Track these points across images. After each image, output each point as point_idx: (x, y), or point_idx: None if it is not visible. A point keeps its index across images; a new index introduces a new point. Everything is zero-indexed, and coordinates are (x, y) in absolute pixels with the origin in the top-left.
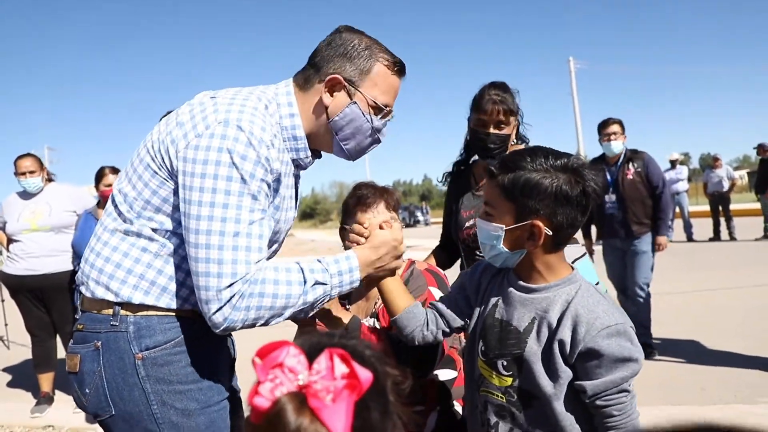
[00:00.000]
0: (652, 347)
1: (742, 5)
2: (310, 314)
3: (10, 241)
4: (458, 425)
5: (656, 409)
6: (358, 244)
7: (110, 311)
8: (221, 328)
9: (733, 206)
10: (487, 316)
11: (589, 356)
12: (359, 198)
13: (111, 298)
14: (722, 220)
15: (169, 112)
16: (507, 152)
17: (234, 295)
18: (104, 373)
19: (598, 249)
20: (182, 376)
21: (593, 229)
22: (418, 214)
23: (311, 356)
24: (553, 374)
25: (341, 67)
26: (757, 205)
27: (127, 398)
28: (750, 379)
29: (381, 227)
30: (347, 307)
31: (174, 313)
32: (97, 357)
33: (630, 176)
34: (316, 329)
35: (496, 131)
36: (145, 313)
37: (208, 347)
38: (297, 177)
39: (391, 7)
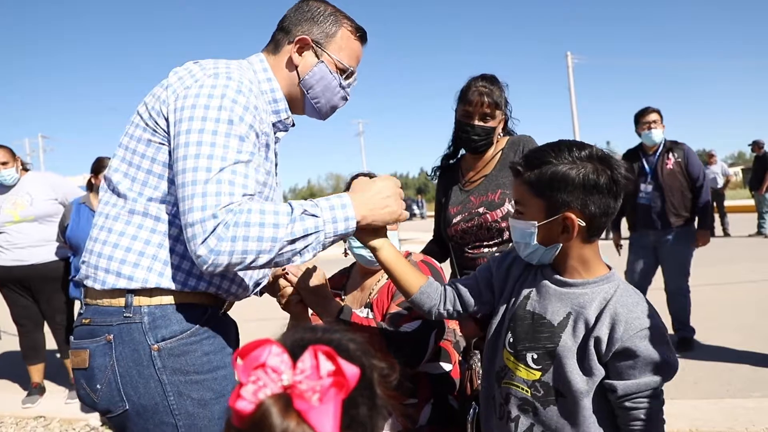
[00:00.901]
0: (691, 342)
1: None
2: (309, 258)
3: None
4: (453, 418)
5: None
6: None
7: (122, 302)
8: (208, 262)
9: (727, 203)
10: (517, 307)
11: (625, 356)
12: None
13: (124, 284)
14: (716, 216)
15: None
16: (492, 145)
17: (219, 224)
18: (117, 367)
19: (625, 243)
20: (198, 365)
21: (623, 222)
22: (414, 207)
23: (294, 354)
24: (586, 371)
25: (309, 30)
26: (752, 202)
27: (143, 391)
28: (742, 374)
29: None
30: (342, 297)
31: (190, 299)
32: (109, 350)
33: (670, 166)
34: (301, 324)
35: (481, 123)
36: (159, 300)
37: (221, 336)
38: (276, 140)
39: None
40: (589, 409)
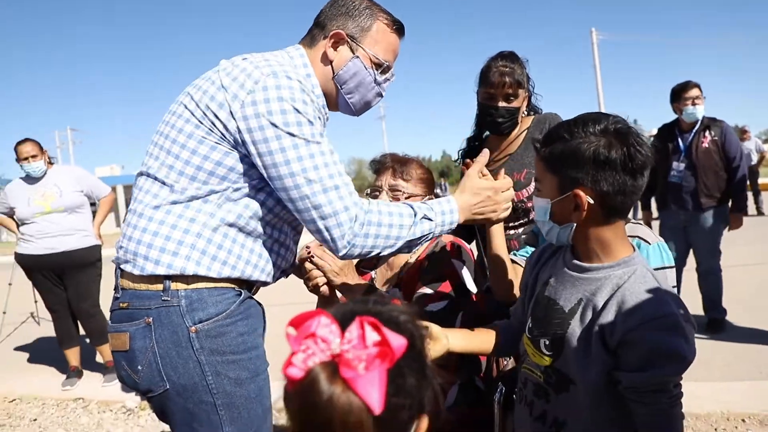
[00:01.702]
0: (722, 323)
1: None
2: (413, 250)
3: (19, 225)
4: (479, 399)
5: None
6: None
7: (160, 287)
8: (343, 252)
9: (761, 180)
10: (538, 292)
11: (629, 346)
12: (375, 166)
13: (162, 271)
14: (750, 194)
15: None
16: (517, 125)
17: (357, 222)
18: (157, 349)
19: (656, 223)
20: (234, 346)
21: (652, 201)
22: (438, 190)
23: (344, 324)
24: (591, 360)
25: (344, 24)
26: None
27: (182, 371)
28: None
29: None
30: (373, 276)
31: (223, 284)
32: (149, 333)
33: (706, 144)
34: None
35: (505, 104)
36: (195, 285)
37: (253, 317)
38: None
39: None
40: (599, 399)
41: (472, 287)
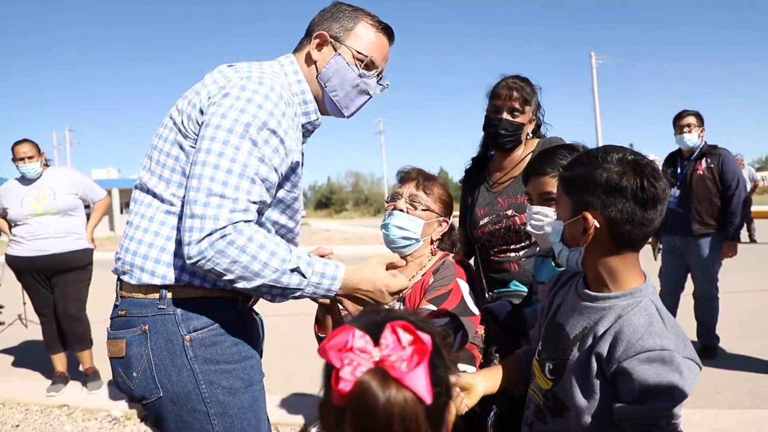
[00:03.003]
0: (715, 350)
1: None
2: (278, 301)
3: (12, 226)
4: (474, 420)
5: None
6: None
7: (156, 295)
8: (191, 261)
9: (754, 208)
10: (551, 317)
11: (622, 378)
12: (400, 175)
13: (158, 281)
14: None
15: None
16: (520, 144)
17: (217, 232)
18: (152, 356)
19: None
20: (228, 355)
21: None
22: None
23: (373, 334)
24: (586, 388)
25: (328, 27)
26: None
27: (176, 379)
28: (766, 383)
29: (387, 268)
30: None
31: (218, 293)
32: (144, 340)
33: (700, 172)
34: (331, 316)
35: (509, 117)
36: (191, 295)
37: (249, 327)
38: (303, 143)
39: None
40: (591, 428)
41: (474, 309)
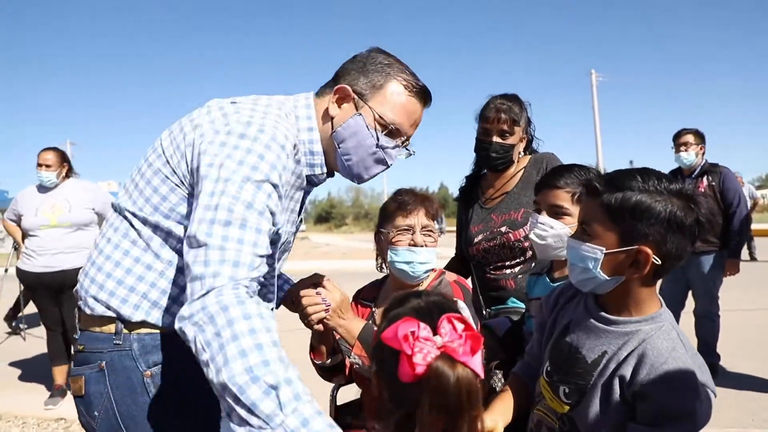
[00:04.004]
0: (716, 369)
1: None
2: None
3: (25, 235)
4: None
5: None
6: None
7: (112, 328)
8: (177, 325)
9: (754, 226)
10: (558, 336)
11: (642, 400)
12: (400, 204)
13: (110, 314)
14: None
15: None
16: (512, 163)
17: (202, 311)
18: (113, 395)
19: None
20: (194, 389)
21: None
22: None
23: (428, 321)
24: (609, 413)
25: (354, 80)
26: None
27: (141, 420)
28: (767, 403)
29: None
30: (373, 309)
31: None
32: (102, 378)
33: (702, 189)
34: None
35: (500, 140)
36: (148, 330)
37: None
38: (306, 192)
39: (411, 12)
40: None
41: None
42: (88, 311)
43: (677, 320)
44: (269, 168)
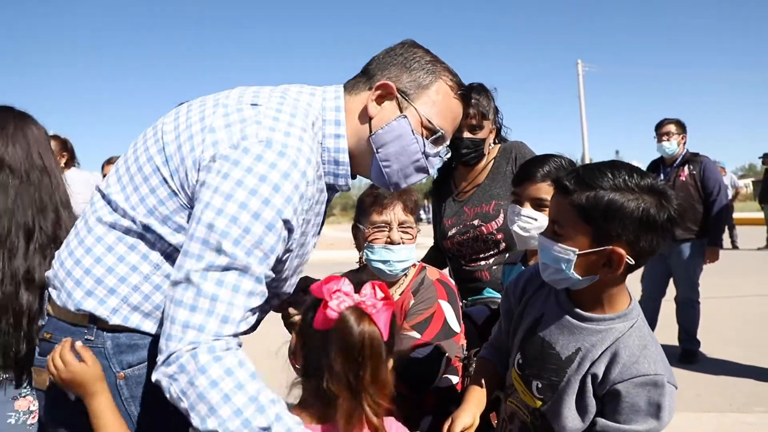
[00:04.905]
0: (695, 355)
1: (751, 11)
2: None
3: None
4: None
5: None
6: None
7: (84, 322)
8: (154, 376)
9: (736, 215)
10: (528, 329)
11: (613, 398)
12: (376, 197)
13: (85, 312)
14: (725, 228)
15: (181, 103)
16: (484, 156)
17: (180, 368)
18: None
19: None
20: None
21: None
22: (422, 212)
23: (357, 288)
24: (582, 409)
25: (397, 77)
26: (761, 215)
27: None
28: (745, 388)
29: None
30: None
31: (156, 332)
32: None
33: (683, 178)
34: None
35: (470, 135)
36: (124, 329)
37: None
38: (328, 201)
39: (397, 2)
40: None
41: (457, 327)
42: (59, 303)
43: (658, 308)
44: (283, 202)
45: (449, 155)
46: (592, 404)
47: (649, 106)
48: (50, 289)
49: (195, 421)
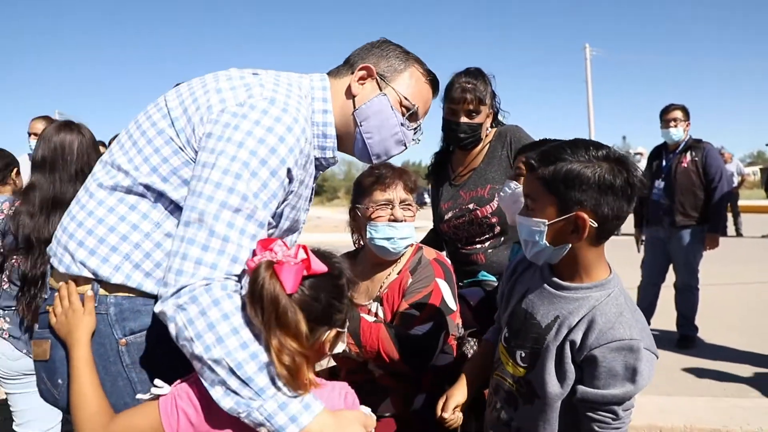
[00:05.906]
0: (693, 340)
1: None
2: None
3: None
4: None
5: (644, 398)
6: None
7: (87, 289)
8: (160, 308)
9: (742, 202)
10: (516, 304)
11: (590, 364)
12: (377, 177)
13: (86, 274)
14: (730, 215)
15: (179, 84)
16: (481, 140)
17: (189, 298)
18: None
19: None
20: (170, 360)
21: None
22: (425, 195)
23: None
24: (561, 375)
25: (375, 62)
26: (766, 202)
27: (110, 390)
28: (741, 374)
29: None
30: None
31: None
32: None
33: (685, 164)
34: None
35: (467, 120)
36: (126, 293)
37: None
38: (315, 178)
39: None
40: (555, 417)
41: (453, 306)
42: (62, 269)
43: (657, 293)
44: (287, 152)
45: (422, 135)
46: (570, 371)
47: (657, 92)
48: (52, 259)
49: (198, 348)
